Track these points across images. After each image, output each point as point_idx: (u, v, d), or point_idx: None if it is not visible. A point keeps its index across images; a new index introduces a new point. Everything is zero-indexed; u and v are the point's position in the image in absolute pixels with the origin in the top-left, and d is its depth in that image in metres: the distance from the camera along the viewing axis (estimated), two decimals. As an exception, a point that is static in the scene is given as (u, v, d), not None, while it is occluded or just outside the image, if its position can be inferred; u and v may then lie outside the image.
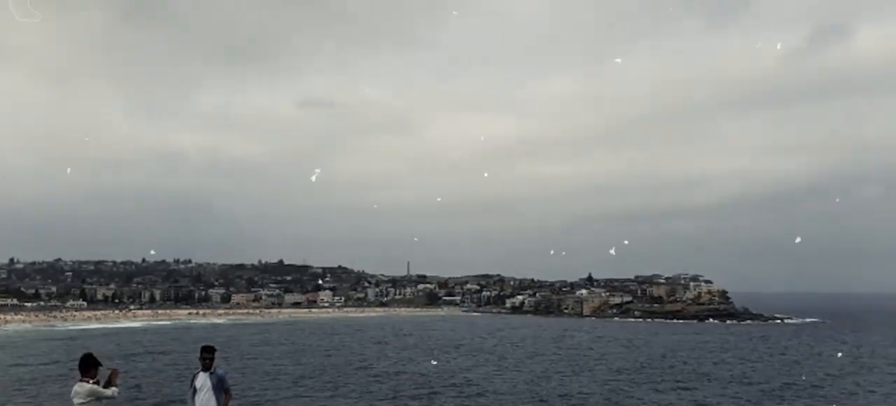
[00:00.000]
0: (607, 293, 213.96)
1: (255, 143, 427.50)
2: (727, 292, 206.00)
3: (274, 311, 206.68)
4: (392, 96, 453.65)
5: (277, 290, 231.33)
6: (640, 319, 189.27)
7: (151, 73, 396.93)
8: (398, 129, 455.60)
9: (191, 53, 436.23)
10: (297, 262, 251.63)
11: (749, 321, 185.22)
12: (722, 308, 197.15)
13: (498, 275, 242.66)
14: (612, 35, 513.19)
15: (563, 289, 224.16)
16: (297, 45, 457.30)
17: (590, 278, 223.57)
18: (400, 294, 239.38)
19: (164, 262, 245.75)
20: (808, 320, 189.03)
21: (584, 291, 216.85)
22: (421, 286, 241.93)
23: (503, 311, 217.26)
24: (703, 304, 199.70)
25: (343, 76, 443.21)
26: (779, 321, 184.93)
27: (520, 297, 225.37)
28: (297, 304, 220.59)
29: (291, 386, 61.39)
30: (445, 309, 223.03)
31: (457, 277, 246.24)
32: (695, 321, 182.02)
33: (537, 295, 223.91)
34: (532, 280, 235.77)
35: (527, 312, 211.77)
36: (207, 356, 14.95)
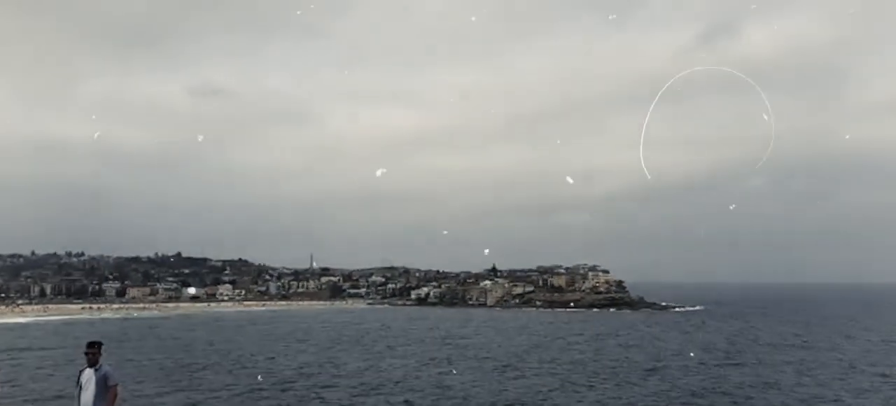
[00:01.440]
0: (510, 284, 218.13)
1: (147, 132, 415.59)
2: (623, 282, 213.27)
3: (171, 305, 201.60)
4: (292, 86, 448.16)
5: (175, 284, 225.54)
6: (542, 309, 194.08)
7: (36, 60, 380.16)
8: (299, 119, 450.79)
9: (78, 39, 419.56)
10: (196, 254, 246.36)
11: (644, 310, 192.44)
12: (618, 297, 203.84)
13: (403, 267, 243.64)
14: (511, 28, 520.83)
15: (468, 280, 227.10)
16: (190, 32, 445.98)
17: (494, 269, 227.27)
18: (303, 287, 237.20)
19: (54, 255, 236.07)
20: (697, 308, 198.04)
21: (488, 282, 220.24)
22: (324, 279, 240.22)
23: (409, 302, 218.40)
24: (600, 293, 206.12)
25: (240, 64, 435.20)
26: (670, 310, 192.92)
27: (425, 289, 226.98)
28: (195, 299, 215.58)
29: (164, 379, 61.05)
30: (350, 302, 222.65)
31: (361, 270, 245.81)
32: (593, 310, 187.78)
33: (442, 286, 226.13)
34: (437, 272, 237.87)
35: (432, 304, 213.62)
36: (92, 352, 14.94)
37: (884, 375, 64.57)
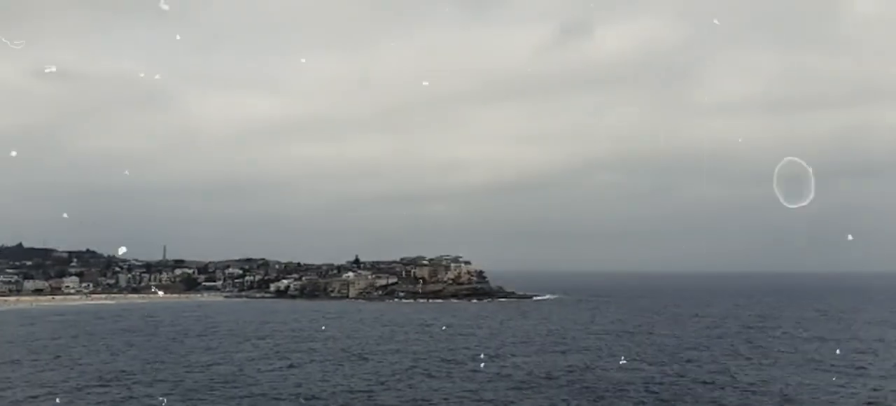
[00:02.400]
0: (374, 275, 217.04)
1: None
2: (484, 272, 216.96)
3: (11, 298, 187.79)
4: (145, 70, 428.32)
5: (15, 276, 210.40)
6: (405, 300, 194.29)
7: None
8: (152, 105, 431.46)
9: None
10: (39, 245, 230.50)
11: (502, 299, 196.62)
12: (479, 287, 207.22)
13: (262, 258, 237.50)
14: (377, 19, 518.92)
15: (330, 272, 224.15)
16: (33, 10, 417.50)
17: (357, 261, 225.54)
18: (155, 280, 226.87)
19: None
20: (554, 297, 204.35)
21: (350, 274, 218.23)
22: (178, 271, 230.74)
23: (268, 295, 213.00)
24: (462, 283, 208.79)
25: (87, 46, 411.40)
26: (527, 298, 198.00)
27: (285, 281, 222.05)
28: (39, 292, 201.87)
29: None
30: (206, 295, 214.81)
31: (218, 261, 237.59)
32: (454, 300, 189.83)
33: (303, 278, 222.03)
34: (298, 264, 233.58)
35: (293, 296, 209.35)
36: None
37: (698, 349, 68.61)
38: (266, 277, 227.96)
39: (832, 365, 65.29)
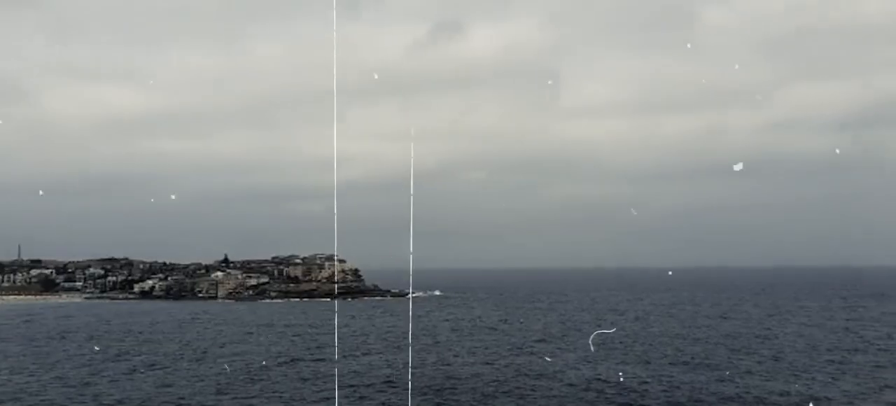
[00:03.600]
0: (244, 275, 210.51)
1: None
2: (359, 270, 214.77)
3: None
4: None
5: None
6: (277, 300, 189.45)
7: None
8: (4, 95, 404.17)
9: None
10: None
11: (378, 297, 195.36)
12: (354, 285, 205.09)
13: (125, 258, 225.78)
14: (248, 11, 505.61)
15: (198, 271, 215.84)
16: None
17: (226, 260, 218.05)
18: (9, 281, 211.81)
19: None
20: (434, 293, 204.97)
21: (219, 274, 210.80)
22: (35, 272, 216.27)
23: (131, 296, 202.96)
24: (336, 282, 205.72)
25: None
26: (402, 296, 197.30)
27: (150, 282, 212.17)
28: None
29: None
30: (64, 296, 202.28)
31: (78, 261, 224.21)
32: (328, 299, 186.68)
33: (169, 278, 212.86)
34: (164, 263, 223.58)
35: (158, 297, 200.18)
36: None
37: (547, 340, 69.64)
38: (130, 278, 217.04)
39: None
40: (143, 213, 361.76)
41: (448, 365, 61.91)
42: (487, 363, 63.54)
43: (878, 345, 77.50)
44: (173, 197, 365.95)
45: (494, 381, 55.20)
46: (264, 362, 66.97)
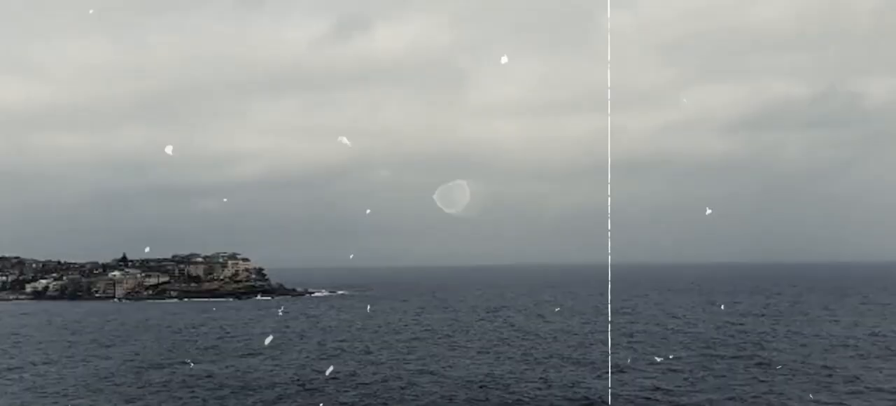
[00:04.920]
0: (143, 274, 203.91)
1: None
2: (264, 269, 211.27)
3: None
4: None
5: None
6: (177, 300, 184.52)
7: None
8: None
9: None
10: None
11: (282, 296, 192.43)
12: (259, 285, 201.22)
13: (16, 257, 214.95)
14: (143, 3, 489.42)
15: (95, 271, 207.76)
16: None
17: (124, 259, 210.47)
18: None
19: None
20: (338, 293, 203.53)
21: (117, 273, 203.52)
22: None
23: (23, 296, 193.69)
24: (240, 281, 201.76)
25: None
26: (306, 295, 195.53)
27: (43, 282, 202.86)
28: None
29: None
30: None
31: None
32: (231, 299, 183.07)
33: (65, 278, 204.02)
34: (58, 262, 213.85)
35: (52, 297, 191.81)
36: None
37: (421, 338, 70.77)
38: (21, 277, 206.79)
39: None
40: (36, 209, 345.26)
41: (308, 367, 61.15)
42: (372, 364, 63.56)
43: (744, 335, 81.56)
44: (68, 193, 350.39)
45: (361, 382, 55.27)
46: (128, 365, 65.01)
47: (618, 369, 58.88)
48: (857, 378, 51.92)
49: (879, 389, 47.55)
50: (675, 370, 57.39)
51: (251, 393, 52.68)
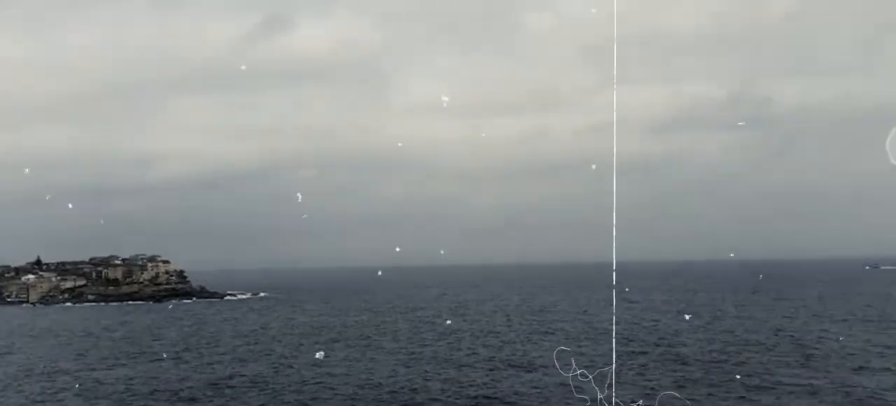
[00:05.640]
0: (59, 277, 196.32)
1: None
2: (185, 272, 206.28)
3: None
4: None
5: None
6: (95, 303, 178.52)
7: None
8: None
9: None
10: None
11: (204, 299, 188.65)
12: (180, 288, 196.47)
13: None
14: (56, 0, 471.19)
15: (7, 274, 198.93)
16: None
17: (38, 262, 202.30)
18: None
19: None
20: (260, 295, 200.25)
21: (31, 276, 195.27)
22: None
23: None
24: (160, 284, 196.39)
25: None
26: (227, 298, 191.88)
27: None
28: None
29: None
30: None
31: None
32: (151, 302, 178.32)
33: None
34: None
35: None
36: None
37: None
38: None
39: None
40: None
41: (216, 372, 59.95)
42: (274, 370, 62.60)
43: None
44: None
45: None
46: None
47: (532, 368, 59.56)
48: (767, 373, 53.84)
49: (779, 383, 49.38)
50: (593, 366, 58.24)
51: (156, 397, 51.18)
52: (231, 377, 58.52)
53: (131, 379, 58.98)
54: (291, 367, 63.06)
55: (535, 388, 49.59)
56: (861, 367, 54.27)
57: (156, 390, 53.71)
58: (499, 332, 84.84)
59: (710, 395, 45.45)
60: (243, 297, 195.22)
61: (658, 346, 70.22)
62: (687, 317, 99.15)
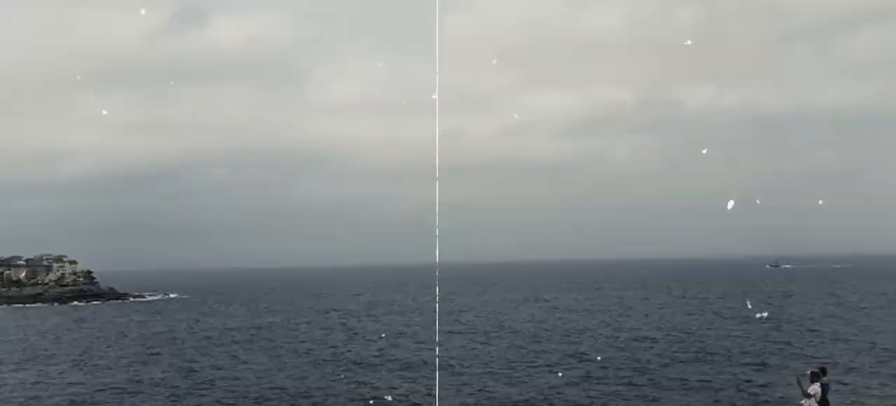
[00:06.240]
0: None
1: None
2: (92, 272, 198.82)
3: None
4: None
5: None
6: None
7: None
8: None
9: None
10: None
11: (113, 300, 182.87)
12: (87, 289, 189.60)
13: None
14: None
15: None
16: None
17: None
18: None
19: None
20: (171, 296, 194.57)
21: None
22: None
23: None
24: (66, 285, 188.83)
25: None
26: (138, 299, 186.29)
27: None
28: None
29: None
30: None
31: None
32: (56, 304, 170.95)
33: None
34: None
35: None
36: None
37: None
38: None
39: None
40: None
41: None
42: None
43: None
44: None
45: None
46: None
47: (441, 368, 58.91)
48: (668, 369, 54.68)
49: (680, 378, 50.07)
50: (499, 371, 58.24)
51: (42, 404, 48.27)
52: (130, 381, 55.84)
53: (23, 384, 55.61)
54: (194, 370, 60.65)
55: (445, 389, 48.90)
56: (759, 364, 55.62)
57: (39, 397, 50.64)
58: (409, 334, 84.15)
59: (614, 393, 45.64)
60: (153, 298, 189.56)
61: (562, 343, 70.70)
62: (594, 315, 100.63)
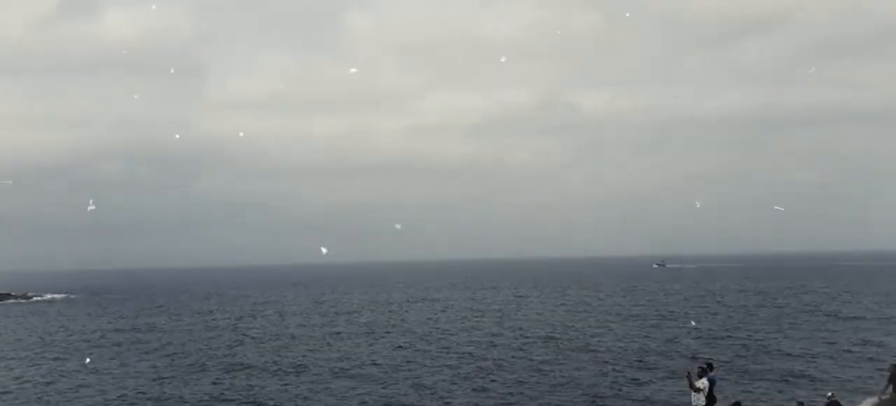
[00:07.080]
0: None
1: None
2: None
3: None
4: None
5: None
6: None
7: None
8: None
9: None
10: None
11: (7, 301, 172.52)
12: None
13: None
14: None
15: None
16: None
17: None
18: None
19: None
20: (57, 296, 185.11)
21: None
22: None
23: None
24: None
25: None
26: (31, 300, 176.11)
27: None
28: None
29: None
30: None
31: None
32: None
33: None
34: None
35: None
36: None
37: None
38: None
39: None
40: None
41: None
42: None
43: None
44: None
45: None
46: None
47: (330, 371, 56.60)
48: (549, 369, 54.01)
49: (569, 377, 49.44)
50: (387, 372, 56.31)
51: None
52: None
53: None
54: (63, 375, 56.10)
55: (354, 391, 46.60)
56: (640, 362, 55.76)
57: None
58: (300, 336, 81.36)
59: (505, 393, 44.52)
60: (48, 298, 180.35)
61: (452, 342, 69.57)
62: (485, 314, 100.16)
